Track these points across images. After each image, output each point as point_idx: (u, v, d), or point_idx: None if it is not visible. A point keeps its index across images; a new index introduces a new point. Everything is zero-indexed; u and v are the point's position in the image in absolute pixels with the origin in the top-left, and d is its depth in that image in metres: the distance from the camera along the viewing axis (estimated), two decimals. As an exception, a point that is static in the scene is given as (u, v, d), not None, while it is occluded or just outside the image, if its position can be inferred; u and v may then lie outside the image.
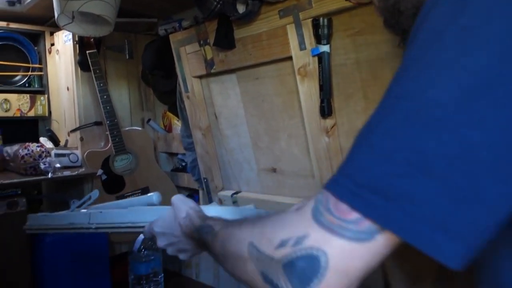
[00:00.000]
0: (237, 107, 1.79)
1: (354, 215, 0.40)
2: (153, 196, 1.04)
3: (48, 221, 1.07)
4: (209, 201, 2.07)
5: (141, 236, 2.08)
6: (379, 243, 0.40)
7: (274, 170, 1.72)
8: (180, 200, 0.82)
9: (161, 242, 0.84)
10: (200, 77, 1.88)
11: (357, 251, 0.40)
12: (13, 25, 2.17)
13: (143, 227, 0.88)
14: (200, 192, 2.22)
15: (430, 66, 0.38)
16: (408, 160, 0.37)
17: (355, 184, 0.40)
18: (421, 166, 0.37)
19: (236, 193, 1.91)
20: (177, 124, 2.34)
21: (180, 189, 2.40)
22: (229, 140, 1.89)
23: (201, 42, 1.75)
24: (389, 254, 0.42)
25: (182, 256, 0.84)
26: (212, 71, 1.77)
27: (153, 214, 0.86)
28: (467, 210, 0.36)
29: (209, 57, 1.75)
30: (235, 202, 1.90)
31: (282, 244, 0.43)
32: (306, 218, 0.43)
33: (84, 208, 1.04)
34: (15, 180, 1.74)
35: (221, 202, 1.99)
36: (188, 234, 0.76)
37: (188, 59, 1.86)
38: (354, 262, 0.40)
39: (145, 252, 2.08)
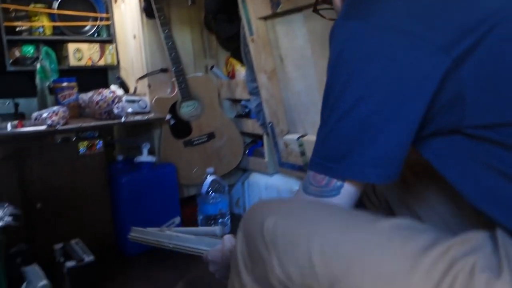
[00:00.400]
0: (304, 48, 1.74)
1: (324, 180, 0.68)
2: (217, 229, 1.30)
3: (143, 234, 1.39)
4: (274, 146, 2.08)
5: (209, 179, 2.16)
6: (347, 191, 0.68)
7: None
8: (227, 238, 1.02)
9: (211, 268, 1.06)
10: (265, 18, 1.83)
11: (337, 203, 0.67)
12: (80, -25, 2.22)
13: (202, 252, 1.14)
14: (265, 137, 2.24)
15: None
16: (334, 137, 0.67)
17: (320, 158, 0.69)
18: (340, 139, 0.66)
19: (302, 136, 1.90)
20: (240, 70, 2.33)
21: (244, 135, 2.43)
22: (295, 83, 1.86)
23: (266, -20, 1.70)
24: (359, 193, 0.69)
25: (225, 280, 0.95)
26: (278, 10, 1.71)
27: (211, 245, 1.12)
28: (372, 150, 0.64)
29: (275, -5, 1.69)
30: (301, 146, 1.89)
31: None
32: (300, 193, 0.72)
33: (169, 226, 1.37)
34: (92, 124, 1.84)
35: (286, 146, 1.99)
36: (228, 264, 0.90)
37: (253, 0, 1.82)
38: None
39: (213, 194, 2.16)
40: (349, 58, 0.63)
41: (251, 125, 2.34)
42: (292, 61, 1.82)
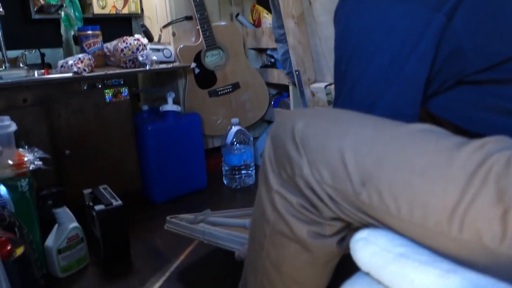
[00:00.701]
0: (333, -11, 1.64)
1: None
2: (247, 222, 1.36)
3: (179, 226, 1.44)
4: (301, 95, 2.03)
5: (233, 129, 2.14)
6: None
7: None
8: None
9: None
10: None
11: None
12: None
13: (234, 249, 1.21)
14: (290, 87, 2.18)
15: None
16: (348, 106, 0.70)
17: None
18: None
19: (330, 84, 1.84)
20: (266, 18, 2.25)
21: (269, 85, 2.38)
22: (323, 28, 1.77)
23: None
24: None
25: None
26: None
27: (242, 243, 1.18)
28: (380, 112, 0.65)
29: None
30: (328, 94, 1.83)
31: None
32: None
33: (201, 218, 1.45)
34: (117, 71, 1.82)
35: (313, 95, 1.94)
36: None
37: None
38: None
39: (237, 145, 2.15)
40: (352, 33, 0.70)
41: (277, 76, 2.28)
42: (321, 4, 1.73)
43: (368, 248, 0.53)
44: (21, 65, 2.05)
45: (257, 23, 2.32)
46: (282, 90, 2.41)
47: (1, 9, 1.88)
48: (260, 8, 2.29)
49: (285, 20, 1.88)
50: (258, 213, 0.71)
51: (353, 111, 0.65)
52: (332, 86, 1.81)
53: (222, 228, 1.36)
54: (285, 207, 0.63)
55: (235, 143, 2.13)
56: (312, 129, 0.61)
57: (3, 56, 2.00)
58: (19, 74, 1.93)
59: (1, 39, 1.98)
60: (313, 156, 0.59)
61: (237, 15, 2.35)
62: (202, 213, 1.49)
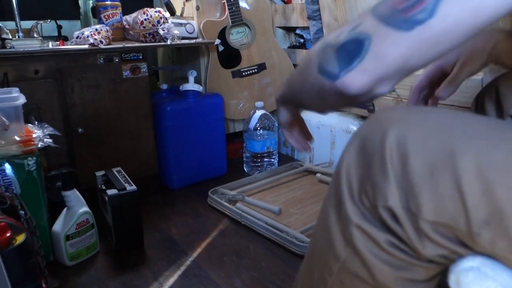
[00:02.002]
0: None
1: (405, 3, 0.43)
2: (276, 209, 1.56)
3: (220, 204, 1.67)
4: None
5: (257, 114, 1.99)
6: (416, 36, 0.42)
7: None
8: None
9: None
10: None
11: (396, 39, 0.43)
12: None
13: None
14: (321, 70, 2.02)
15: None
16: None
17: None
18: None
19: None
20: (297, -7, 2.08)
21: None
22: (363, 3, 1.60)
23: None
24: (421, 52, 0.44)
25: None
26: None
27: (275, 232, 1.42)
28: None
29: None
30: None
31: (342, 32, 0.48)
32: (366, 12, 0.47)
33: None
34: (136, 44, 1.68)
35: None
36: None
37: None
38: (391, 50, 0.43)
39: (261, 130, 2.00)
40: None
41: (306, 57, 2.12)
42: (363, -22, 1.56)
43: (484, 283, 0.38)
44: (35, 35, 1.93)
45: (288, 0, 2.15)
46: (310, 73, 2.24)
47: (14, -26, 1.75)
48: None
49: (321, -6, 1.71)
50: (322, 241, 0.55)
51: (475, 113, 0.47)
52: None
53: (256, 210, 1.57)
54: (367, 246, 0.48)
55: (258, 128, 1.99)
56: (411, 142, 0.44)
57: (16, 25, 1.88)
58: (32, 44, 1.80)
59: (16, 7, 1.86)
60: (410, 181, 0.42)
61: (266, -10, 2.18)
62: (238, 193, 1.69)
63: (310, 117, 2.16)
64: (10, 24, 1.92)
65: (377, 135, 0.46)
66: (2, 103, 1.23)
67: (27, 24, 1.96)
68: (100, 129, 1.65)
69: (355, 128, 1.94)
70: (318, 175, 1.87)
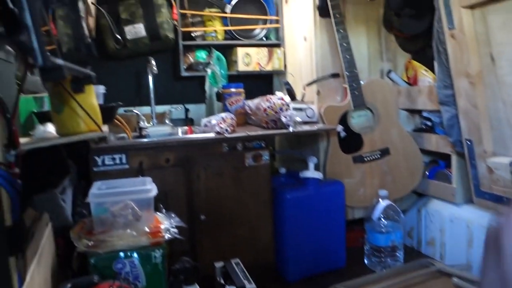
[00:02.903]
0: (529, 44, 1.31)
1: None
2: None
3: None
4: (471, 168, 1.66)
5: (382, 204, 1.84)
6: None
7: None
8: None
9: None
10: (472, 6, 1.45)
11: None
12: (254, -23, 2.14)
13: None
14: (453, 158, 1.82)
15: None
16: None
17: None
18: None
19: (517, 160, 1.45)
20: (425, 75, 1.96)
21: (424, 152, 2.05)
22: (509, 90, 1.43)
23: (483, -43, 1.33)
24: None
25: None
26: (494, -4, 1.33)
27: None
28: None
29: (493, -24, 1.31)
30: (515, 172, 1.45)
31: None
32: None
33: None
34: (260, 133, 1.70)
35: (490, 172, 1.56)
36: None
37: (457, -15, 1.46)
38: None
39: (385, 221, 1.84)
40: None
41: (435, 142, 1.95)
42: (509, 61, 1.40)
43: None
44: (166, 121, 2.07)
45: (413, 81, 2.04)
46: (438, 158, 2.05)
47: (155, 68, 1.93)
48: (417, 64, 2.01)
49: (456, 78, 1.58)
50: None
51: None
52: (521, 163, 1.42)
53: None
54: None
55: (382, 219, 1.83)
56: None
57: (151, 112, 2.05)
58: (164, 130, 1.94)
59: (152, 96, 2.04)
60: None
61: (389, 72, 2.10)
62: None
63: (441, 208, 1.94)
64: (146, 109, 2.11)
65: None
66: (137, 195, 1.28)
67: (159, 108, 2.14)
68: (221, 216, 1.64)
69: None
70: (455, 279, 1.61)
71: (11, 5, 0.39)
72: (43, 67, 0.43)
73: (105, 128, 1.20)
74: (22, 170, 0.77)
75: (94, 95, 1.14)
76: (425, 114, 2.01)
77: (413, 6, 1.77)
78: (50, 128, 1.13)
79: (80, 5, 1.33)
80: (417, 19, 1.82)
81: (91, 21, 1.54)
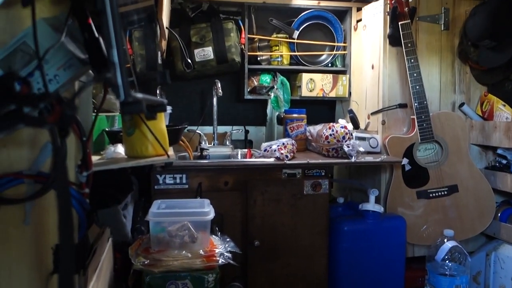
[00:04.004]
0: None
1: None
2: None
3: None
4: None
5: (447, 245, 1.72)
6: None
7: None
8: None
9: None
10: None
11: None
12: (323, 3, 2.14)
13: None
14: (532, 201, 1.68)
15: None
16: None
17: None
18: None
19: None
20: (502, 110, 1.84)
21: (497, 193, 1.90)
22: None
23: None
24: None
25: None
26: None
27: None
28: None
29: None
30: None
31: None
32: None
33: None
34: (320, 161, 1.66)
35: None
36: None
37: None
38: None
39: (450, 263, 1.71)
40: None
41: (510, 182, 1.80)
42: None
43: None
44: (227, 142, 2.10)
45: (488, 116, 1.91)
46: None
47: (220, 91, 1.97)
48: (493, 97, 1.89)
49: (539, 118, 1.45)
50: None
51: None
52: None
53: None
54: None
55: (446, 261, 1.70)
56: None
57: (213, 132, 2.09)
58: (224, 152, 1.96)
59: (215, 117, 2.08)
60: None
61: (462, 104, 1.99)
62: None
63: (513, 255, 1.78)
64: (208, 129, 2.15)
65: None
66: (195, 217, 1.29)
67: (221, 129, 2.17)
68: (275, 243, 1.62)
69: None
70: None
71: (103, 46, 0.41)
72: (124, 101, 0.45)
73: (171, 152, 1.23)
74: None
75: (163, 120, 1.17)
76: (500, 151, 1.88)
77: (495, 38, 1.67)
78: (120, 149, 1.18)
79: (155, 29, 1.39)
80: (498, 51, 1.72)
81: (164, 44, 1.61)
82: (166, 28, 1.57)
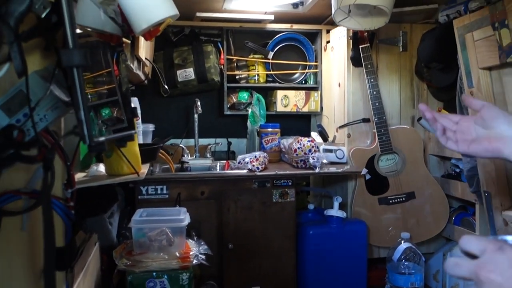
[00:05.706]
0: (542, 106, 1.38)
1: None
2: None
3: None
4: (489, 220, 1.71)
5: (402, 246, 1.92)
6: None
7: None
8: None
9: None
10: (490, 68, 1.54)
11: None
12: (295, 26, 2.34)
13: None
14: (477, 207, 1.87)
15: None
16: None
17: None
18: None
19: (531, 216, 1.49)
20: (453, 124, 2.03)
21: (450, 198, 2.10)
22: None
23: (496, 25, 1.42)
24: None
25: None
26: (508, 60, 1.41)
27: None
28: None
29: (505, 42, 1.40)
30: (528, 228, 1.49)
31: None
32: None
33: None
34: (287, 172, 1.86)
35: (506, 224, 1.60)
36: None
37: (476, 47, 1.55)
38: None
39: (406, 263, 1.91)
40: None
41: (461, 189, 1.99)
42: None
43: None
44: (207, 155, 2.29)
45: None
46: (466, 204, 2.09)
47: (199, 109, 2.17)
48: (446, 112, 2.09)
49: (476, 133, 1.65)
50: None
51: None
52: (534, 219, 1.46)
53: None
54: None
55: (402, 260, 1.90)
56: None
57: (195, 145, 2.29)
58: (204, 164, 2.15)
59: (196, 131, 2.28)
60: None
61: (420, 118, 2.18)
62: None
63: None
64: (192, 141, 2.35)
65: None
66: (172, 223, 1.49)
67: (204, 141, 2.37)
68: (248, 246, 1.81)
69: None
70: (469, 328, 1.65)
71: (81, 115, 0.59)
72: (90, 145, 0.64)
73: (143, 170, 1.43)
74: (77, 196, 0.99)
75: (137, 144, 1.38)
76: (453, 161, 2.07)
77: (440, 61, 1.87)
78: (101, 168, 1.38)
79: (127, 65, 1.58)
80: (445, 72, 1.92)
81: (147, 69, 1.81)
82: (147, 59, 1.77)
